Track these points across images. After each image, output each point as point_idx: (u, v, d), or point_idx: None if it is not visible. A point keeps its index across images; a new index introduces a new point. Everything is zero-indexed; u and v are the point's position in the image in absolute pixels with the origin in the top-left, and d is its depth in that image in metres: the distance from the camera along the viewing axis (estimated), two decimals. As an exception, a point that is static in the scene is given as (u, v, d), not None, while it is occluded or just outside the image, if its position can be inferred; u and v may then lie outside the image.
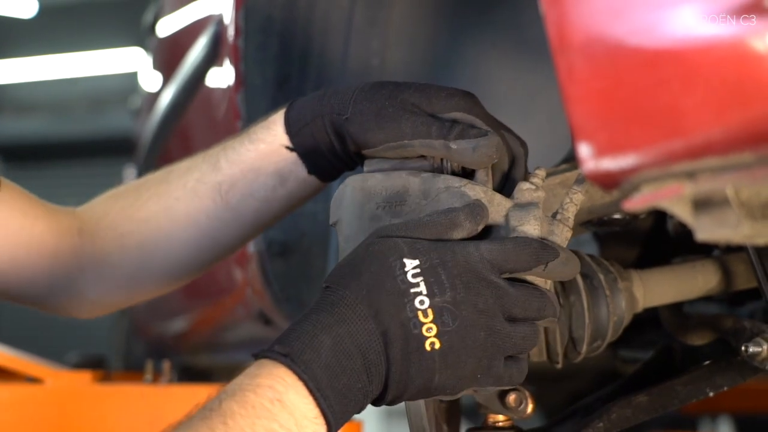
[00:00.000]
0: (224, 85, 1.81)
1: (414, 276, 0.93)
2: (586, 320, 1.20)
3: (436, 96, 1.08)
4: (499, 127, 1.08)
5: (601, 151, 0.72)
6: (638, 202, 0.72)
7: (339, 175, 1.20)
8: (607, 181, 0.74)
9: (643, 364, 1.43)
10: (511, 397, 1.09)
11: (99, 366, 2.97)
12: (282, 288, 1.78)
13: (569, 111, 0.73)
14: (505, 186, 1.08)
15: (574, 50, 0.73)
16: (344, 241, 1.08)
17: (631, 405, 1.24)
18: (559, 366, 1.22)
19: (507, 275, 0.97)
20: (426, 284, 0.93)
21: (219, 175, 1.21)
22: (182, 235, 1.24)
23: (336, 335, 0.91)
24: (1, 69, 11.14)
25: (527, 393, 1.09)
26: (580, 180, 1.02)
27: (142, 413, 2.16)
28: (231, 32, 1.68)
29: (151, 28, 3.28)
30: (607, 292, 1.22)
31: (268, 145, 1.18)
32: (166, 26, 2.88)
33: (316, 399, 0.89)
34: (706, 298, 1.40)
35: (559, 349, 1.21)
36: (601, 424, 1.23)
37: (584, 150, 0.73)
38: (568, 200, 1.02)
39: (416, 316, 0.92)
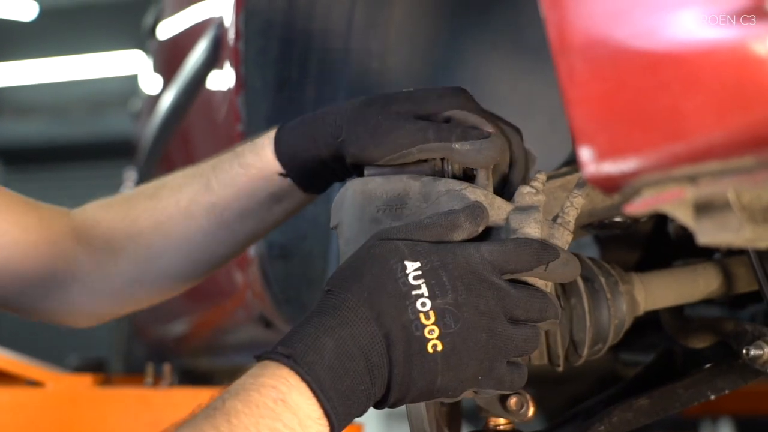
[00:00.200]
0: (225, 88, 1.81)
1: (415, 278, 0.93)
2: (587, 323, 1.20)
3: (428, 99, 1.09)
4: (494, 119, 1.09)
5: (602, 155, 0.72)
6: (640, 206, 0.72)
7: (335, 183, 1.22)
8: (609, 185, 0.74)
9: (645, 367, 1.43)
10: (512, 401, 1.09)
11: (99, 369, 2.96)
12: (282, 291, 1.78)
13: (570, 114, 0.73)
14: (504, 188, 1.08)
15: (575, 52, 0.72)
16: (345, 244, 1.08)
17: (632, 408, 1.24)
18: (560, 369, 1.22)
19: (508, 276, 0.97)
20: (427, 286, 0.93)
21: (212, 196, 1.22)
22: (176, 252, 1.26)
23: (338, 337, 0.91)
24: (1, 72, 11.14)
25: (528, 396, 1.09)
26: (581, 184, 1.02)
27: (143, 416, 2.16)
28: (231, 35, 1.68)
29: (152, 30, 3.28)
30: (608, 295, 1.22)
31: (259, 171, 1.19)
32: (167, 29, 2.88)
33: (319, 400, 0.89)
34: (707, 301, 1.40)
35: (560, 352, 1.21)
36: (602, 428, 1.23)
37: (585, 153, 0.73)
38: (568, 204, 1.01)
39: (418, 319, 0.92)
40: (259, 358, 0.92)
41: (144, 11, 3.94)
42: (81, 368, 2.96)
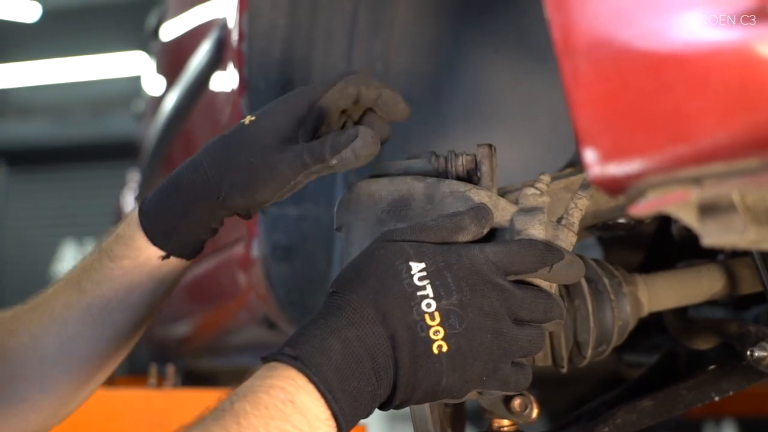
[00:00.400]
0: (228, 90, 1.81)
1: (420, 279, 0.93)
2: (591, 324, 1.20)
3: (279, 114, 1.10)
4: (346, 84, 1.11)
5: (606, 157, 0.72)
6: (644, 208, 0.72)
7: None
8: (613, 187, 0.74)
9: (648, 368, 1.43)
10: (516, 402, 1.09)
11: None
12: (286, 292, 1.78)
13: (574, 115, 0.73)
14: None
15: (580, 54, 0.72)
16: (349, 245, 1.08)
17: (636, 410, 1.24)
18: (564, 370, 1.22)
19: (512, 277, 0.97)
20: (432, 287, 0.93)
21: (86, 297, 1.16)
22: (57, 365, 1.18)
23: (345, 338, 0.91)
24: (4, 73, 11.15)
25: (532, 398, 1.09)
26: (585, 185, 1.02)
27: (147, 418, 2.16)
28: (235, 37, 1.68)
29: (155, 32, 3.28)
30: (612, 297, 1.22)
31: (132, 261, 1.14)
32: (170, 30, 2.88)
33: (327, 401, 0.89)
34: (711, 303, 1.40)
35: (564, 354, 1.21)
36: (606, 429, 1.23)
37: (590, 155, 0.73)
38: (572, 205, 1.01)
39: (423, 319, 0.92)
40: (266, 360, 0.92)
41: (147, 12, 3.95)
42: (84, 369, 2.95)
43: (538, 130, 1.70)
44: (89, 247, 10.61)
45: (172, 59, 2.82)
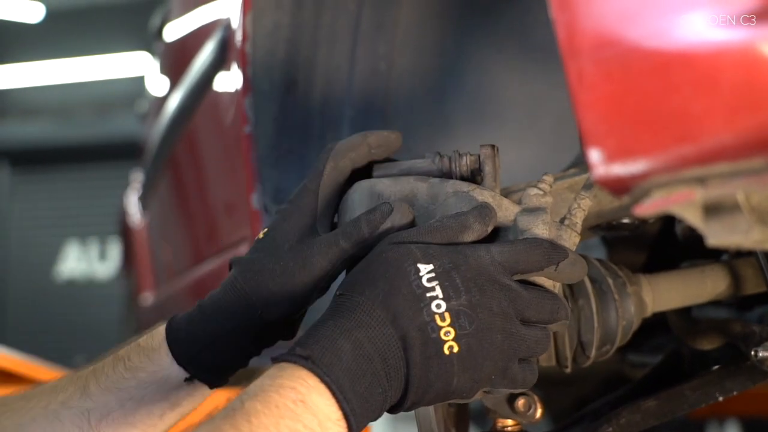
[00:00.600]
0: (232, 90, 1.81)
1: (429, 280, 0.93)
2: (595, 324, 1.20)
3: (292, 215, 1.07)
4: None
5: (611, 157, 0.72)
6: (649, 208, 0.72)
7: None
8: (618, 187, 0.74)
9: (652, 368, 1.43)
10: (520, 402, 1.09)
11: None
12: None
13: (579, 116, 0.73)
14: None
15: (585, 55, 0.72)
16: (352, 246, 1.08)
17: (640, 410, 1.24)
18: (568, 370, 1.22)
19: (518, 277, 0.97)
20: (441, 288, 0.93)
21: (88, 401, 1.08)
22: None
23: (355, 340, 0.90)
24: (8, 73, 11.16)
25: (536, 397, 1.09)
26: (588, 185, 1.02)
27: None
28: (238, 37, 1.68)
29: (158, 32, 3.28)
30: (616, 297, 1.22)
31: (150, 375, 1.07)
32: (173, 30, 2.88)
33: (338, 401, 0.88)
34: (715, 303, 1.40)
35: (568, 354, 1.21)
36: (610, 429, 1.23)
37: (594, 155, 0.73)
38: (576, 205, 1.02)
39: (433, 320, 0.92)
40: (276, 360, 0.91)
41: (151, 13, 3.95)
42: (88, 369, 2.96)
43: (542, 131, 1.70)
44: (93, 247, 10.64)
45: (175, 60, 2.82)
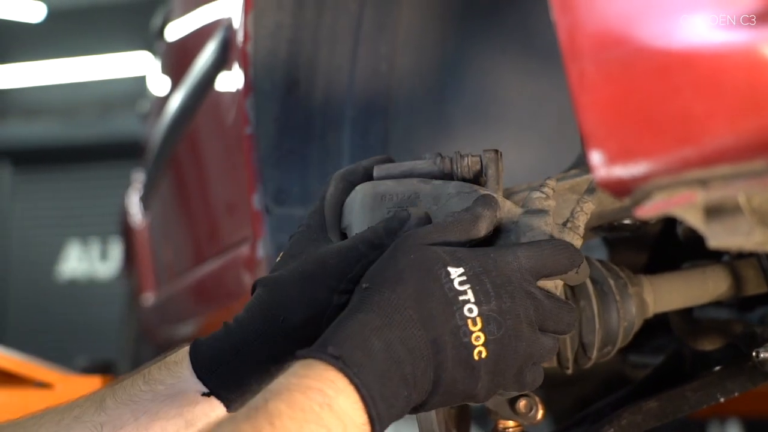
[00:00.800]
0: (233, 90, 1.81)
1: (461, 284, 0.92)
2: (597, 325, 1.20)
3: (315, 225, 1.07)
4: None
5: (612, 159, 0.72)
6: (650, 210, 0.72)
7: None
8: (619, 189, 0.74)
9: (654, 369, 1.43)
10: (522, 403, 1.09)
11: (108, 371, 2.98)
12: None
13: (580, 118, 0.73)
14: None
15: (586, 56, 0.72)
16: (354, 247, 1.08)
17: (641, 411, 1.24)
18: (570, 371, 1.22)
19: (542, 281, 0.97)
20: (473, 292, 0.92)
21: (103, 415, 1.04)
22: None
23: (386, 340, 0.88)
24: (9, 73, 11.17)
25: (537, 399, 1.09)
26: (591, 189, 1.02)
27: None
28: (240, 37, 1.68)
29: (160, 32, 3.28)
30: (617, 298, 1.22)
31: (167, 388, 1.04)
32: (175, 30, 2.88)
33: (366, 406, 0.85)
34: (716, 303, 1.40)
35: (570, 355, 1.21)
36: (611, 430, 1.23)
37: (596, 157, 0.73)
38: (578, 209, 1.02)
39: (466, 324, 0.91)
40: (302, 355, 0.88)
41: (152, 12, 3.95)
42: (89, 370, 2.97)
43: (543, 131, 1.70)
44: (94, 247, 10.64)
45: (177, 59, 2.82)
